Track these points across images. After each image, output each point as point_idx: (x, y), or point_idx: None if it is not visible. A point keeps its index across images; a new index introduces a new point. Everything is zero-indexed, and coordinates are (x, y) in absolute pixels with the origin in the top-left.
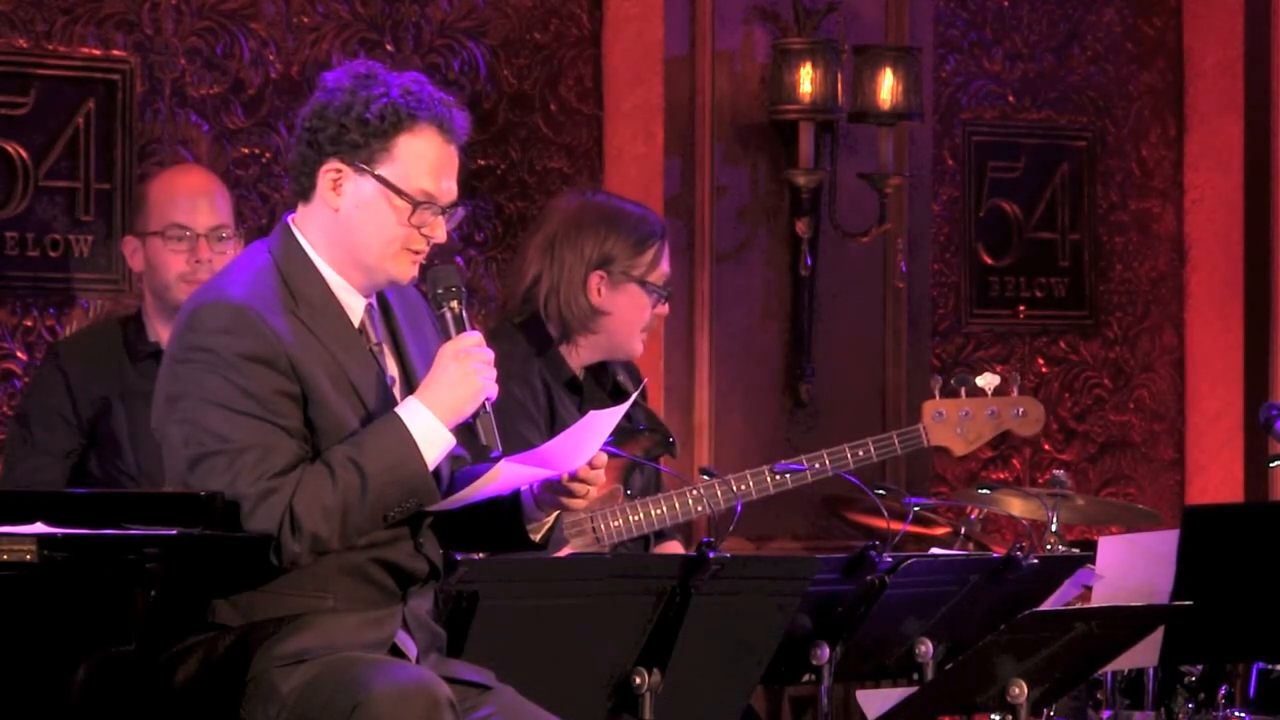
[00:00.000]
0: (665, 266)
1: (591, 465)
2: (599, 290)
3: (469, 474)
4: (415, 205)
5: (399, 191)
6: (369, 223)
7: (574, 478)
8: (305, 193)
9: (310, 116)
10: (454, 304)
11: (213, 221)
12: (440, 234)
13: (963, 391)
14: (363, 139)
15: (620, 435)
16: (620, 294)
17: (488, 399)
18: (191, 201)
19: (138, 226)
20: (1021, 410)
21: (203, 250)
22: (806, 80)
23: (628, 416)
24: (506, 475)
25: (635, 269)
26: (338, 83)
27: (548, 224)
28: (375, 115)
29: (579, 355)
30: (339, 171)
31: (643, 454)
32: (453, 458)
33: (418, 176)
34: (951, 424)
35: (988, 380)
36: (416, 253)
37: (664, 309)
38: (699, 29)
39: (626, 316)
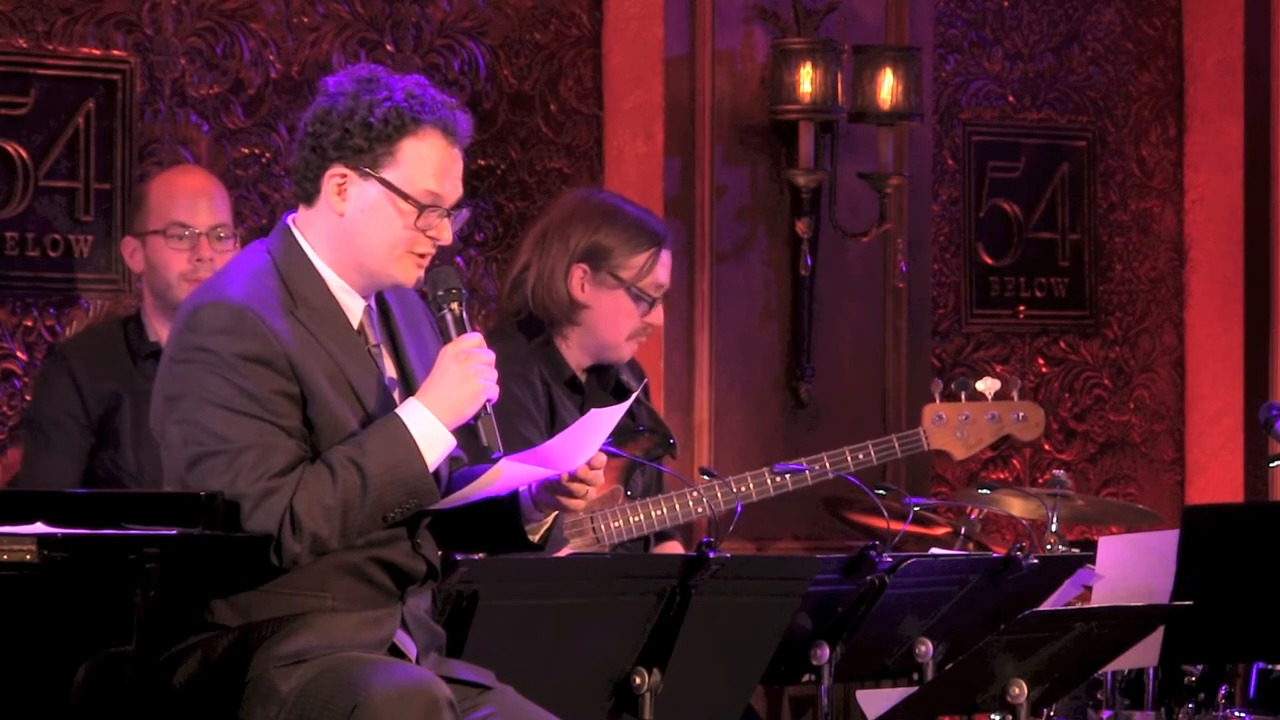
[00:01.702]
0: (661, 276)
1: (591, 465)
2: (582, 285)
3: (468, 474)
4: (421, 209)
5: (404, 195)
6: (374, 227)
7: (573, 478)
8: (309, 197)
9: (313, 121)
10: (454, 305)
11: (213, 220)
12: (446, 236)
13: (963, 396)
14: (367, 143)
15: (621, 436)
16: (604, 293)
17: (489, 400)
18: (192, 200)
19: (137, 226)
20: (1022, 414)
21: (203, 249)
22: (806, 80)
23: (630, 415)
24: (507, 475)
25: (624, 270)
26: (340, 87)
27: (545, 217)
28: (379, 119)
29: (574, 353)
30: (344, 176)
31: (643, 454)
32: (451, 459)
33: (422, 179)
34: (951, 428)
35: (988, 384)
36: (421, 256)
37: (657, 319)
38: (699, 29)
39: (609, 317)
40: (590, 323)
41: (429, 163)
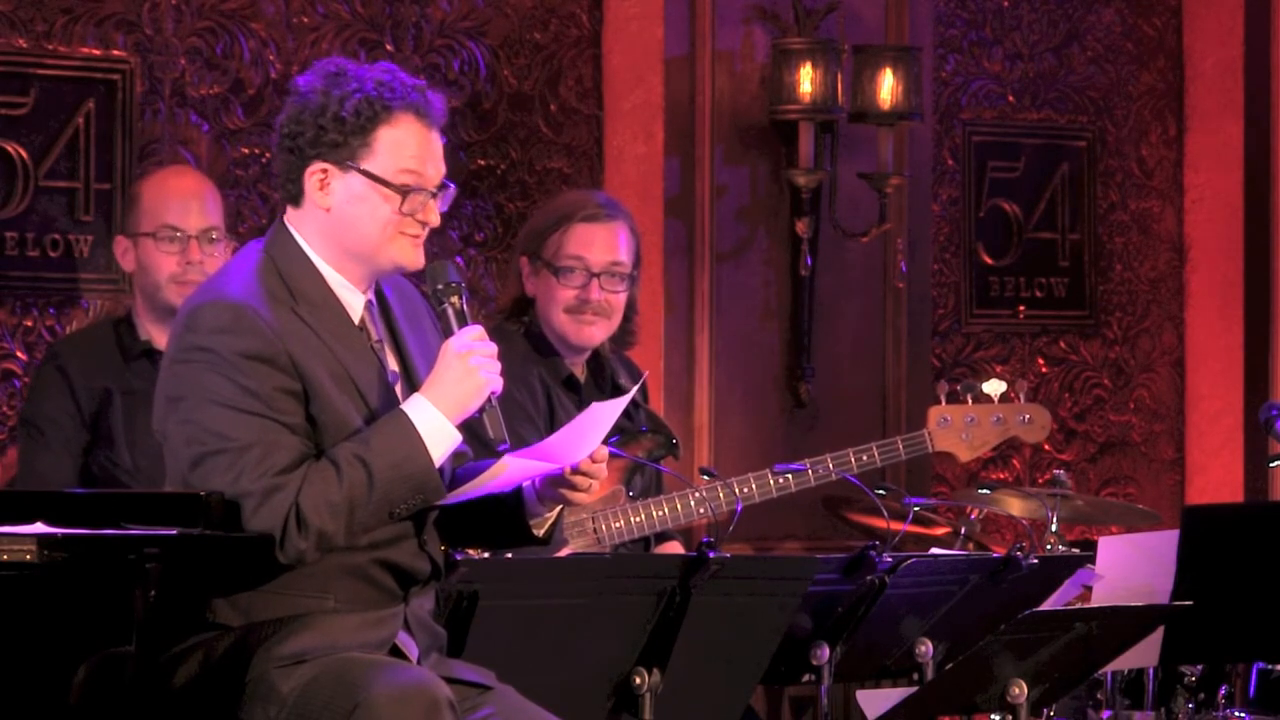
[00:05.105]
0: (573, 247)
1: (593, 459)
2: (529, 278)
3: (471, 470)
4: (404, 194)
5: (385, 183)
6: (362, 216)
7: (576, 471)
8: (295, 198)
9: (287, 122)
10: (454, 299)
11: (204, 223)
12: (434, 217)
13: (969, 398)
14: (342, 137)
15: (623, 437)
16: (540, 279)
17: (493, 393)
18: (183, 203)
19: (129, 227)
20: (1028, 417)
21: (194, 252)
22: (806, 80)
23: (629, 417)
24: (511, 470)
25: (545, 250)
26: (310, 85)
27: None
28: (351, 112)
29: (559, 348)
30: (324, 172)
31: (646, 455)
32: (456, 455)
33: (402, 164)
34: (957, 430)
35: (994, 387)
36: (414, 236)
37: (591, 293)
38: (699, 29)
39: (544, 300)
40: (539, 310)
41: (406, 147)
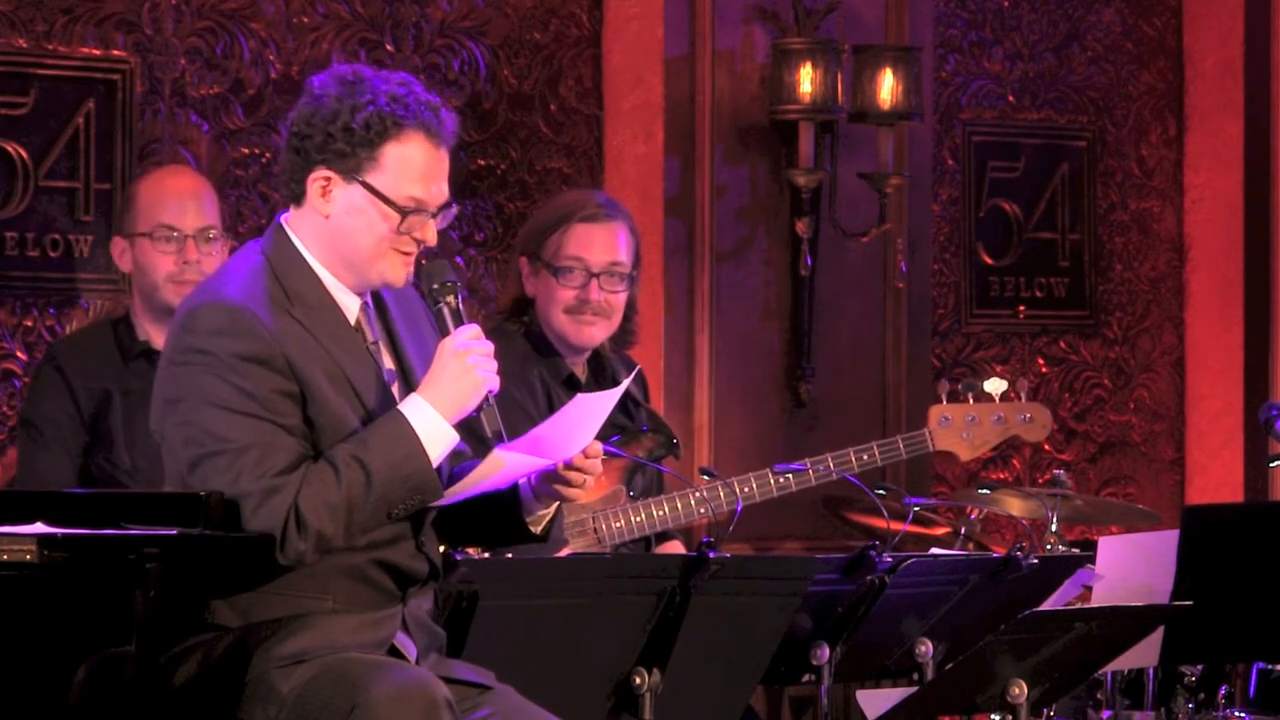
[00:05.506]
0: (573, 248)
1: (586, 454)
2: (529, 278)
3: (467, 468)
4: (404, 214)
5: (388, 200)
6: (359, 228)
7: (569, 466)
8: (296, 198)
9: (297, 123)
10: (450, 298)
11: (200, 223)
12: (431, 236)
13: (970, 397)
14: (349, 148)
15: (624, 436)
16: (541, 280)
17: (490, 392)
18: (180, 203)
19: (126, 227)
20: (1028, 416)
21: (190, 251)
22: (806, 80)
23: (630, 417)
24: (506, 467)
25: (544, 251)
26: (324, 89)
27: None
28: (361, 125)
29: (560, 347)
30: (327, 179)
31: (646, 455)
32: (454, 454)
33: (407, 184)
34: (957, 429)
35: (995, 386)
36: (406, 254)
37: (591, 293)
38: (699, 29)
39: (544, 301)
40: (539, 310)
41: (413, 166)
